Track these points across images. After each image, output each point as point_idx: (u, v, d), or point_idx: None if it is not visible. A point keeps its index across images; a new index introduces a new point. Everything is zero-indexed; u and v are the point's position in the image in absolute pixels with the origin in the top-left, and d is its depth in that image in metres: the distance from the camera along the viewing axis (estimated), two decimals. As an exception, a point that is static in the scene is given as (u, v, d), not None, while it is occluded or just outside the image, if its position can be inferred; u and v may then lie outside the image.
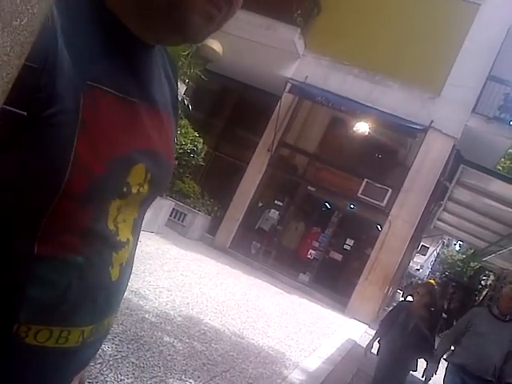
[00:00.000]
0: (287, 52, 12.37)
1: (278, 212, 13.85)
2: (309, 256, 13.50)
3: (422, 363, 5.29)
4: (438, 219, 11.58)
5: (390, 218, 11.81)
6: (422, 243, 25.70)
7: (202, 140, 10.85)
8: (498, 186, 6.98)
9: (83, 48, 0.67)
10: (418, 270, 41.27)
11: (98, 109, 0.68)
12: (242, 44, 11.99)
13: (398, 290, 30.66)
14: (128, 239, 0.79)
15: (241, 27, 11.44)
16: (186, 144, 10.23)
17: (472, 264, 24.82)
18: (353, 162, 12.99)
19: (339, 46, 12.35)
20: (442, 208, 9.89)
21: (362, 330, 10.20)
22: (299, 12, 11.97)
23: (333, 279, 12.95)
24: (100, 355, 3.24)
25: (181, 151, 10.13)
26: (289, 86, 12.23)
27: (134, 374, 3.25)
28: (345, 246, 13.77)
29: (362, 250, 13.28)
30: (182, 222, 11.78)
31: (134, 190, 0.76)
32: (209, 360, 4.28)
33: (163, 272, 6.79)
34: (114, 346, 3.51)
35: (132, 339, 3.83)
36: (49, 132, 0.62)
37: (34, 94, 0.60)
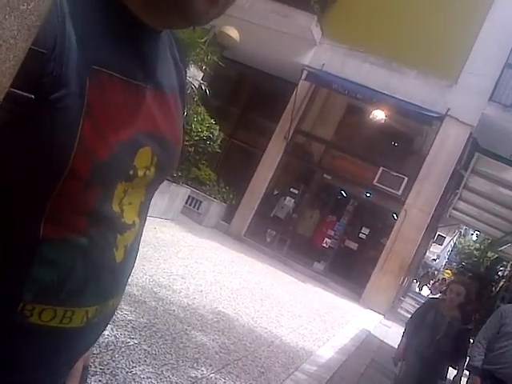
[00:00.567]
0: (304, 39, 12.28)
1: (293, 200, 13.83)
2: (324, 244, 13.49)
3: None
4: (454, 208, 11.46)
5: (405, 206, 11.73)
6: (438, 233, 25.56)
7: (218, 127, 10.83)
8: (513, 175, 6.89)
9: (89, 33, 0.68)
10: (435, 260, 41.07)
11: (103, 92, 0.68)
12: (259, 31, 11.93)
13: (414, 280, 30.56)
14: (134, 221, 0.80)
15: (258, 14, 11.41)
16: (202, 131, 10.21)
17: (489, 254, 24.58)
18: (369, 149, 12.90)
19: (356, 34, 12.25)
20: (457, 197, 9.78)
21: (377, 321, 10.19)
22: (316, -1, 11.86)
23: (348, 268, 12.93)
24: (112, 342, 3.27)
25: (197, 138, 10.12)
26: (305, 73, 12.16)
27: (145, 361, 3.27)
28: (360, 235, 13.73)
29: (378, 238, 13.22)
30: (198, 209, 11.82)
31: (141, 173, 0.77)
32: (221, 348, 4.29)
33: (178, 259, 6.83)
34: (126, 332, 3.54)
35: (145, 326, 3.85)
36: (55, 115, 0.63)
37: (41, 78, 0.61)
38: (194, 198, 11.70)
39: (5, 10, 0.49)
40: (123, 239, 0.78)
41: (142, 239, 0.88)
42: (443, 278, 30.25)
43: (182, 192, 10.71)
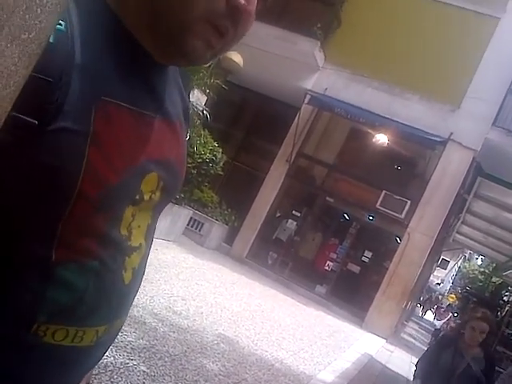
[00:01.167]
0: (307, 64, 12.42)
1: (295, 222, 13.83)
2: (326, 267, 13.44)
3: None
4: (458, 232, 11.46)
5: (408, 230, 11.70)
6: (442, 257, 25.41)
7: (221, 150, 10.91)
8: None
9: (99, 63, 0.71)
10: (439, 284, 40.75)
11: (110, 122, 0.71)
12: (263, 56, 12.07)
13: (418, 305, 30.30)
14: (140, 244, 0.83)
15: (261, 40, 11.55)
16: (205, 153, 10.29)
17: (494, 279, 24.40)
18: (371, 173, 12.93)
19: (359, 59, 12.39)
20: (460, 221, 9.78)
21: (379, 345, 10.10)
22: (319, 25, 12.05)
23: (350, 292, 12.85)
24: (111, 363, 3.26)
25: (200, 160, 10.20)
26: (308, 97, 12.27)
27: (144, 382, 3.26)
28: (363, 258, 13.67)
29: (381, 262, 13.17)
30: (200, 231, 11.83)
31: (147, 197, 0.80)
32: (221, 371, 4.27)
33: (178, 281, 6.82)
34: (125, 353, 3.53)
35: (144, 347, 3.84)
36: (60, 141, 0.65)
37: (45, 105, 0.63)
38: (196, 220, 11.71)
39: (7, 39, 0.51)
40: (131, 261, 0.80)
41: (148, 254, 0.90)
42: (449, 304, 29.96)
43: (184, 214, 10.73)
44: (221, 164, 11.08)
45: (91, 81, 0.69)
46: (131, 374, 3.29)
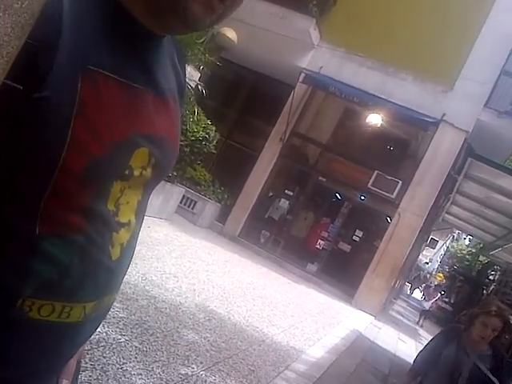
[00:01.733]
0: (302, 42, 12.33)
1: (288, 201, 13.88)
2: (317, 246, 13.55)
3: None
4: (447, 212, 11.56)
5: (399, 210, 11.80)
6: (431, 236, 25.64)
7: (214, 128, 10.87)
8: (506, 181, 6.95)
9: (87, 32, 0.70)
10: (427, 263, 41.19)
11: (98, 92, 0.70)
12: (257, 33, 11.96)
13: (406, 283, 30.64)
14: (129, 220, 0.82)
15: (256, 16, 11.43)
16: (198, 131, 10.25)
17: (480, 258, 24.70)
18: (364, 153, 12.96)
19: (354, 38, 12.31)
20: (450, 201, 9.86)
21: (368, 322, 10.26)
22: (315, 2, 11.93)
23: (341, 270, 12.99)
24: (103, 338, 3.32)
25: (193, 138, 10.17)
26: (303, 76, 12.21)
27: (136, 357, 3.32)
28: (354, 237, 13.79)
29: (371, 241, 13.29)
30: (192, 209, 11.86)
31: (137, 173, 0.79)
32: (212, 346, 4.35)
33: (171, 258, 6.87)
34: (118, 329, 3.58)
35: (136, 323, 3.90)
36: (44, 110, 0.64)
37: (32, 70, 0.62)
38: (188, 198, 11.73)
39: (-1, 9, 0.50)
40: (119, 237, 0.80)
41: (139, 232, 0.90)
42: (437, 284, 30.28)
43: (177, 192, 10.74)
44: (214, 142, 11.05)
45: (79, 48, 0.67)
46: (123, 349, 3.35)
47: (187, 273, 6.55)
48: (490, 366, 3.30)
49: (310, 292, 10.49)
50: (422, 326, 16.77)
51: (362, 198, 13.10)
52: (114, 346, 3.30)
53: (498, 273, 19.95)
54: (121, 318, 3.82)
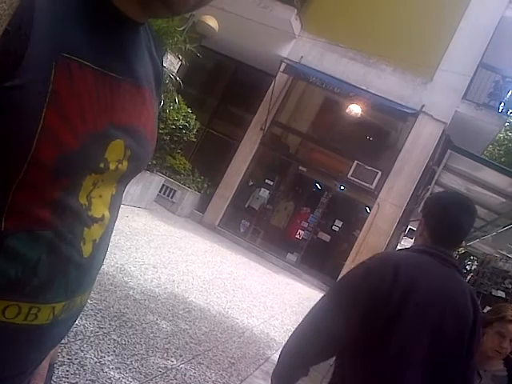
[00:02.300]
0: (283, 32, 12.26)
1: (268, 191, 13.86)
2: (297, 236, 13.57)
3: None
4: (426, 203, 11.68)
5: (378, 200, 11.88)
6: (409, 227, 25.88)
7: (194, 116, 10.78)
8: (483, 173, 7.03)
9: (62, 19, 0.66)
10: (406, 252, 41.68)
11: (72, 81, 0.66)
12: (238, 22, 11.85)
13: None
14: (103, 215, 0.78)
15: (238, 4, 11.35)
16: (178, 120, 10.14)
17: (457, 249, 25.09)
18: (344, 143, 12.99)
19: (335, 28, 12.31)
20: (429, 192, 9.95)
21: (347, 311, 10.33)
22: (296, -8, 11.87)
23: (321, 260, 13.05)
24: (81, 331, 3.26)
25: (173, 127, 10.05)
26: (283, 65, 12.17)
27: (114, 351, 3.27)
28: (333, 227, 13.83)
29: (351, 231, 13.36)
30: (172, 198, 11.77)
31: (112, 167, 0.75)
32: (192, 339, 4.31)
33: (150, 248, 6.80)
34: (95, 322, 3.52)
35: (114, 316, 3.84)
36: (15, 98, 0.61)
37: (3, 56, 0.59)
38: (168, 187, 11.64)
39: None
40: (91, 233, 0.76)
41: (113, 227, 0.86)
42: None
43: (156, 180, 10.64)
44: (194, 131, 10.96)
45: (53, 35, 0.64)
46: (101, 342, 3.29)
47: (166, 263, 6.49)
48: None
49: (290, 282, 10.52)
50: None
51: (342, 187, 13.15)
52: (91, 339, 3.25)
53: (475, 263, 20.26)
54: (99, 310, 3.76)
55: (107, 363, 3.06)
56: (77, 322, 3.33)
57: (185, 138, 10.76)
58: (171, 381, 3.31)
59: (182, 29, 9.86)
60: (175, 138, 10.43)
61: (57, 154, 0.65)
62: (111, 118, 0.73)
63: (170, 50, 9.17)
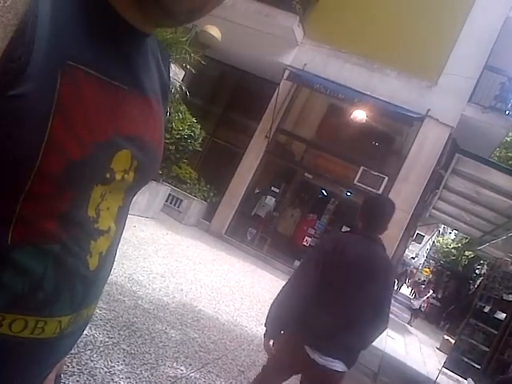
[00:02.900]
0: (286, 39, 12.29)
1: (274, 198, 13.84)
2: (304, 243, 13.52)
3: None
4: (434, 208, 11.58)
5: (385, 206, 11.80)
6: (417, 231, 25.80)
7: (199, 126, 10.80)
8: (492, 176, 6.96)
9: (68, 27, 0.65)
10: (413, 258, 41.47)
11: (78, 90, 0.65)
12: (241, 31, 11.90)
13: (393, 278, 30.71)
14: (109, 227, 0.77)
15: (240, 14, 11.39)
16: (183, 129, 10.17)
17: (467, 253, 24.92)
18: (350, 149, 12.97)
19: (338, 34, 12.32)
20: (437, 197, 9.88)
21: (356, 318, 10.26)
22: (298, 0, 11.90)
23: (328, 266, 12.96)
24: (91, 341, 3.24)
25: (178, 136, 10.08)
26: (287, 73, 12.18)
27: (124, 360, 3.25)
28: (341, 234, 13.77)
29: (358, 237, 13.29)
30: (178, 207, 11.77)
31: (118, 177, 0.74)
32: (201, 347, 4.29)
33: (157, 258, 6.80)
34: (105, 332, 3.51)
35: (124, 325, 3.83)
36: (20, 109, 0.60)
37: (8, 63, 0.58)
38: (174, 197, 11.65)
39: (-20, 8, 0.46)
40: (97, 246, 0.75)
41: (119, 240, 0.86)
42: (429, 281, 30.20)
43: (163, 190, 10.66)
44: (199, 140, 10.98)
45: (59, 43, 0.63)
46: (111, 352, 3.28)
47: (174, 272, 6.48)
48: None
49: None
50: (411, 326, 16.68)
51: (349, 193, 13.11)
52: (101, 349, 3.23)
53: (485, 267, 20.10)
54: (108, 319, 3.75)
55: (117, 373, 3.05)
56: (86, 332, 3.32)
57: (190, 148, 10.78)
58: (181, 390, 3.29)
59: (185, 39, 9.92)
60: (180, 148, 10.45)
61: (63, 164, 0.64)
62: (117, 128, 0.72)
63: (174, 61, 9.21)
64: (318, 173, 13.39)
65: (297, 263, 12.82)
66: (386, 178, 12.03)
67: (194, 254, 8.50)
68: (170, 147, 9.92)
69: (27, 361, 0.72)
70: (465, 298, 20.73)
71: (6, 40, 0.54)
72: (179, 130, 10.04)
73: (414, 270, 37.41)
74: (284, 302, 2.69)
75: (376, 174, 12.16)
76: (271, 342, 2.71)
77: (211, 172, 13.42)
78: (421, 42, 11.86)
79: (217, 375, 3.86)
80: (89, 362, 2.99)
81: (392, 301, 2.84)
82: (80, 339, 0.86)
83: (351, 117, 12.51)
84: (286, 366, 2.70)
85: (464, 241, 23.88)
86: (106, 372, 2.98)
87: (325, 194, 14.67)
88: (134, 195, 0.86)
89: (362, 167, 12.25)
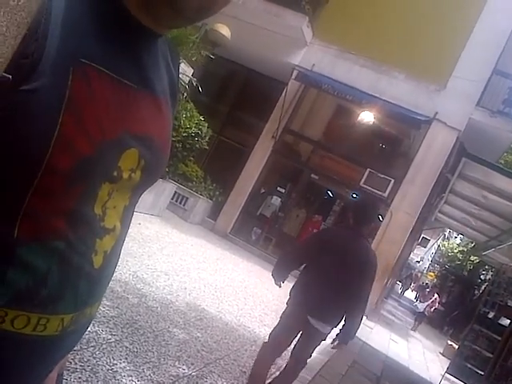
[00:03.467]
0: (295, 39, 12.29)
1: (280, 199, 13.84)
2: (309, 244, 13.49)
3: None
4: (440, 212, 11.57)
5: (391, 208, 11.78)
6: (422, 235, 25.74)
7: (206, 124, 10.82)
8: (499, 180, 6.93)
9: (81, 25, 0.66)
10: (418, 262, 41.35)
11: (90, 87, 0.66)
12: (250, 30, 11.91)
13: (398, 282, 30.70)
14: (115, 226, 0.77)
15: (249, 13, 11.40)
16: (190, 127, 10.18)
17: (472, 258, 24.83)
18: (356, 151, 12.94)
19: (347, 35, 12.30)
20: (443, 200, 9.86)
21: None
22: (308, 0, 11.88)
23: (332, 268, 12.93)
24: (93, 338, 3.24)
25: (185, 134, 10.09)
26: (295, 73, 12.18)
27: (127, 358, 3.24)
28: (346, 236, 13.75)
29: (363, 240, 13.26)
30: (184, 205, 11.78)
31: (125, 176, 0.74)
32: (203, 347, 4.28)
33: (162, 255, 6.80)
34: (108, 329, 3.50)
35: (127, 323, 3.82)
36: (31, 104, 0.60)
37: (20, 59, 0.58)
38: (180, 195, 11.65)
39: (-6, 6, 0.47)
40: (103, 244, 0.75)
41: (124, 239, 0.85)
42: (433, 285, 30.03)
43: (169, 188, 10.66)
44: (206, 138, 11.00)
45: (71, 40, 0.64)
46: (113, 349, 3.27)
47: (178, 270, 6.48)
48: None
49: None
50: (415, 331, 16.40)
51: (354, 195, 13.08)
52: (104, 346, 3.23)
53: (490, 273, 20.00)
54: (111, 317, 3.75)
55: (119, 370, 3.04)
56: (89, 329, 3.31)
57: (197, 146, 10.80)
58: (183, 389, 3.28)
59: (194, 37, 9.92)
60: (187, 146, 10.47)
61: (72, 160, 0.64)
62: (126, 127, 0.72)
63: (182, 58, 9.21)
64: (325, 174, 13.37)
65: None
66: (393, 181, 12.00)
67: (199, 253, 8.50)
68: (177, 145, 9.93)
69: (29, 358, 0.72)
70: (469, 304, 20.66)
71: (19, 37, 0.55)
72: (186, 127, 10.05)
73: (419, 274, 37.32)
74: (279, 262, 3.80)
75: (382, 176, 12.13)
76: (278, 285, 3.96)
77: (217, 171, 13.43)
78: (430, 45, 11.83)
79: (219, 375, 3.85)
80: (91, 358, 2.98)
81: (369, 292, 3.47)
82: (83, 336, 0.85)
83: (358, 118, 12.49)
84: (293, 325, 3.56)
85: (469, 245, 23.78)
86: (108, 369, 2.98)
87: (330, 195, 14.65)
88: (141, 195, 0.86)
89: (368, 169, 12.23)
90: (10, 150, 0.62)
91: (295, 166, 14.08)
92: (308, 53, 12.65)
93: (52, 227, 0.67)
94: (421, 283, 31.78)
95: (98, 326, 3.44)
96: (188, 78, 9.67)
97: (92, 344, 3.16)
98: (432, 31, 11.91)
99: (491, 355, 8.83)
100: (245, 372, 4.21)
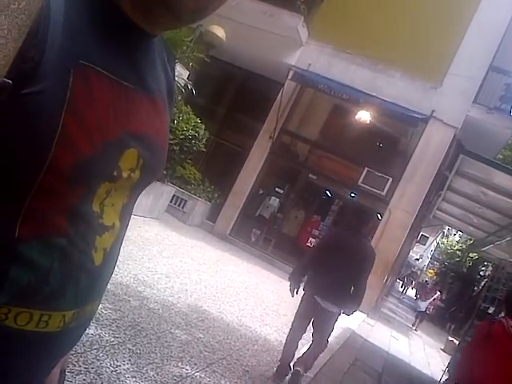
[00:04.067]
0: (290, 39, 12.30)
1: (278, 199, 13.85)
2: (308, 244, 13.52)
3: None
4: (438, 209, 11.57)
5: (390, 207, 11.81)
6: (421, 233, 25.73)
7: (203, 126, 10.80)
8: (497, 177, 6.94)
9: (79, 28, 0.67)
10: (418, 259, 41.34)
11: (89, 88, 0.67)
12: (246, 30, 11.92)
13: (397, 280, 30.72)
14: (113, 224, 0.78)
15: (244, 14, 11.40)
16: (187, 130, 10.17)
17: (471, 254, 24.85)
18: (354, 150, 12.96)
19: (342, 35, 12.32)
20: (441, 198, 9.87)
21: (361, 319, 10.24)
22: (303, 0, 11.90)
23: (332, 267, 12.94)
24: (97, 341, 3.26)
25: (182, 137, 10.08)
26: (291, 73, 12.19)
27: (130, 360, 3.26)
28: (345, 235, 13.75)
29: (362, 238, 13.27)
30: (183, 208, 11.79)
31: (125, 175, 0.76)
32: (206, 347, 4.30)
33: (162, 258, 6.81)
34: (110, 331, 3.52)
35: (129, 325, 3.84)
36: (33, 106, 0.61)
37: (20, 63, 0.59)
38: (178, 197, 11.66)
39: (-5, 10, 0.47)
40: (102, 241, 0.76)
41: (126, 238, 0.87)
42: (435, 282, 29.87)
43: (167, 191, 10.67)
44: (203, 141, 10.98)
45: (70, 43, 0.65)
46: (117, 351, 3.29)
47: (179, 273, 6.49)
48: None
49: (302, 291, 10.44)
50: (416, 330, 16.27)
51: (353, 195, 13.10)
52: (107, 348, 3.25)
53: (490, 269, 20.02)
54: (113, 319, 3.76)
55: (123, 372, 3.06)
56: (92, 332, 3.34)
57: (194, 148, 10.78)
58: (187, 389, 3.30)
59: (189, 39, 9.92)
60: (185, 148, 10.45)
61: (73, 160, 0.66)
62: (126, 127, 0.74)
63: (178, 60, 9.21)
64: (323, 174, 13.39)
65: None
66: (391, 179, 12.02)
67: (199, 255, 8.52)
68: (175, 148, 9.93)
69: (31, 354, 0.73)
70: (469, 300, 20.68)
71: (20, 41, 0.55)
72: (183, 130, 10.05)
73: (419, 272, 37.31)
74: (298, 268, 4.68)
75: (380, 175, 12.16)
76: (295, 290, 4.61)
77: (215, 173, 13.44)
78: (425, 43, 11.85)
79: (221, 375, 3.87)
80: (95, 361, 3.00)
81: (368, 278, 4.53)
82: (86, 338, 0.88)
83: (355, 117, 12.51)
84: (307, 312, 4.47)
85: (468, 242, 23.79)
86: (112, 371, 3.00)
87: (329, 195, 14.67)
88: (139, 194, 0.87)
89: (366, 168, 12.25)
90: (13, 150, 0.63)
91: (293, 167, 14.09)
92: (304, 53, 12.67)
93: (54, 225, 0.68)
94: (420, 280, 31.75)
95: (100, 329, 3.46)
96: (184, 81, 9.68)
97: (95, 346, 3.18)
98: (427, 29, 11.93)
99: (492, 351, 8.83)
100: (247, 371, 4.24)
